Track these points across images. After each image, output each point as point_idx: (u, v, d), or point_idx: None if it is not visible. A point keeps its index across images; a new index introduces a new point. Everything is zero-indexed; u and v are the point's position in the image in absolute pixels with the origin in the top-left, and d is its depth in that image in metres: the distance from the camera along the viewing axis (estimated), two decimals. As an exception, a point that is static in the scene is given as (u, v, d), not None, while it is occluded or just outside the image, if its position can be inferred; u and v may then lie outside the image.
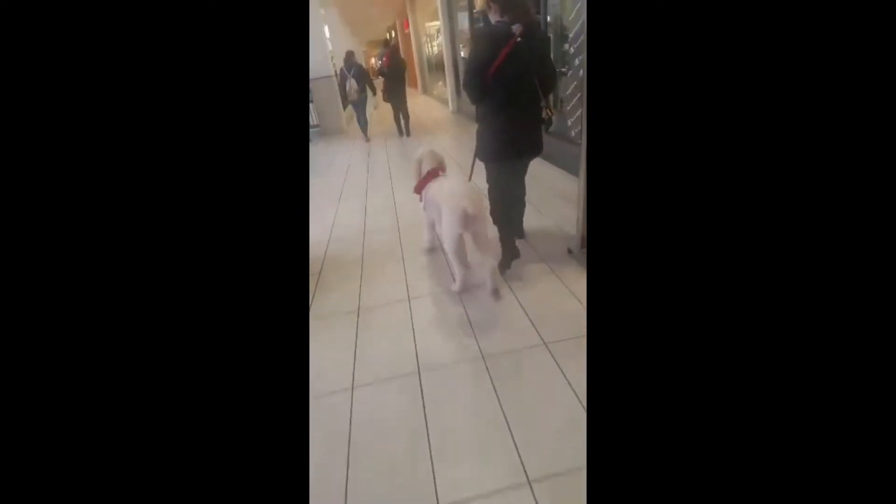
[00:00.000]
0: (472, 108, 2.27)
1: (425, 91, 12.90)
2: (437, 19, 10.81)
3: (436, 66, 11.38)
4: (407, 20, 12.77)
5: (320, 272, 2.64)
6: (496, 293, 2.11)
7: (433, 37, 11.44)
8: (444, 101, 9.67)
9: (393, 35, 16.59)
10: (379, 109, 7.11)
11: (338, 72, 7.22)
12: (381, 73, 6.49)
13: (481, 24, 5.88)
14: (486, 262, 2.06)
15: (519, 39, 2.00)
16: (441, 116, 8.22)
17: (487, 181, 2.32)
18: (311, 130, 7.56)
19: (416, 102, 7.85)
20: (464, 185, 2.02)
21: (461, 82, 2.51)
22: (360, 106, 6.44)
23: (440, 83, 11.10)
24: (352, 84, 6.08)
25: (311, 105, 7.63)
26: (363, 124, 6.58)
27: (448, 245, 2.03)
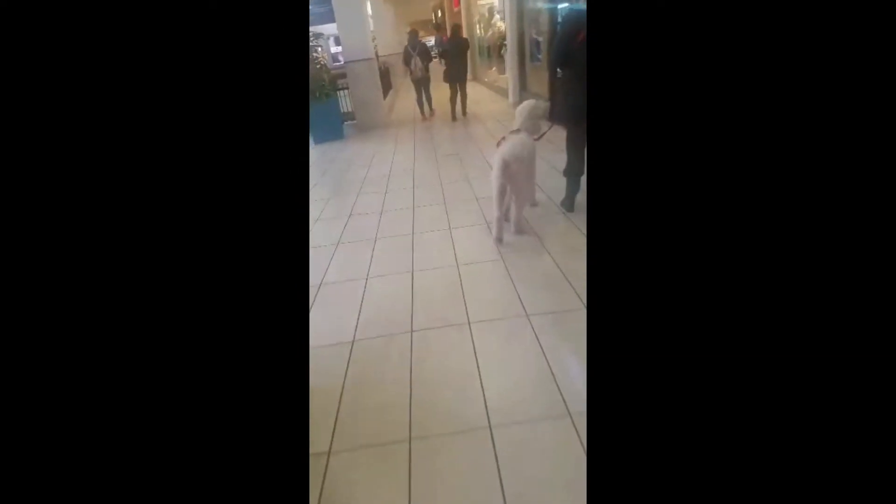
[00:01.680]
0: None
1: (475, 78, 11.49)
2: (492, -3, 9.47)
3: (488, 51, 10.01)
4: (457, -2, 11.40)
5: (330, 449, 1.36)
6: (520, 231, 2.56)
7: (485, 17, 10.06)
8: (499, 91, 8.27)
9: (440, 14, 15.26)
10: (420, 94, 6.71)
11: (378, 55, 6.43)
12: (441, 52, 6.49)
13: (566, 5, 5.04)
14: (514, 208, 2.53)
15: None
16: (498, 109, 6.84)
17: (566, 140, 2.65)
18: (344, 123, 6.38)
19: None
20: (516, 141, 2.43)
21: (552, 51, 2.55)
22: (422, 84, 6.51)
23: (493, 69, 9.72)
24: (417, 62, 6.21)
25: (345, 92, 6.48)
26: (422, 103, 6.69)
27: (493, 191, 2.43)
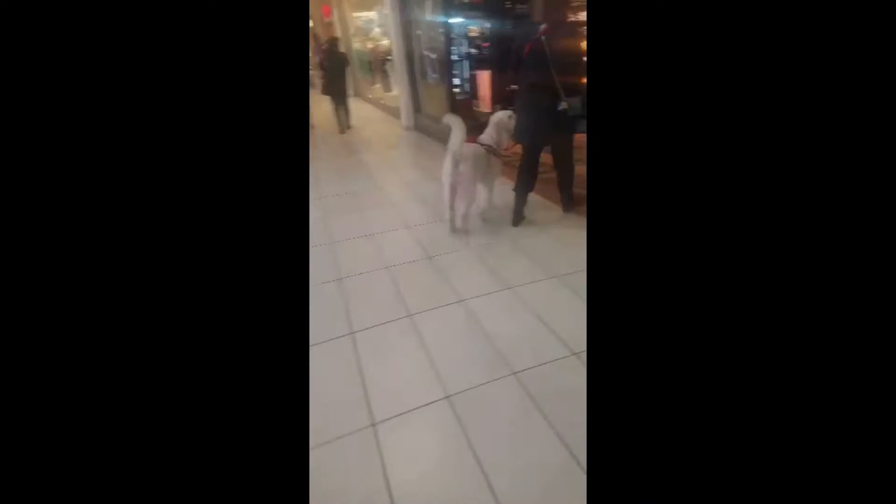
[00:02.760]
0: (434, 125, 3.16)
1: (358, 94, 10.54)
2: (365, 10, 8.70)
3: (370, 65, 9.21)
4: (328, 7, 10.39)
5: None
6: (464, 231, 2.75)
7: (363, 30, 9.27)
8: (389, 110, 7.50)
9: (310, 25, 14.04)
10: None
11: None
12: (321, 66, 6.22)
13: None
14: (458, 208, 2.70)
15: (542, 38, 2.35)
16: (390, 133, 6.04)
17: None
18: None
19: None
20: (470, 148, 2.62)
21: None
22: None
23: (377, 86, 8.93)
24: None
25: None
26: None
27: (444, 188, 2.66)
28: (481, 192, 2.88)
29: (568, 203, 2.94)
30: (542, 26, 2.39)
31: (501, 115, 2.79)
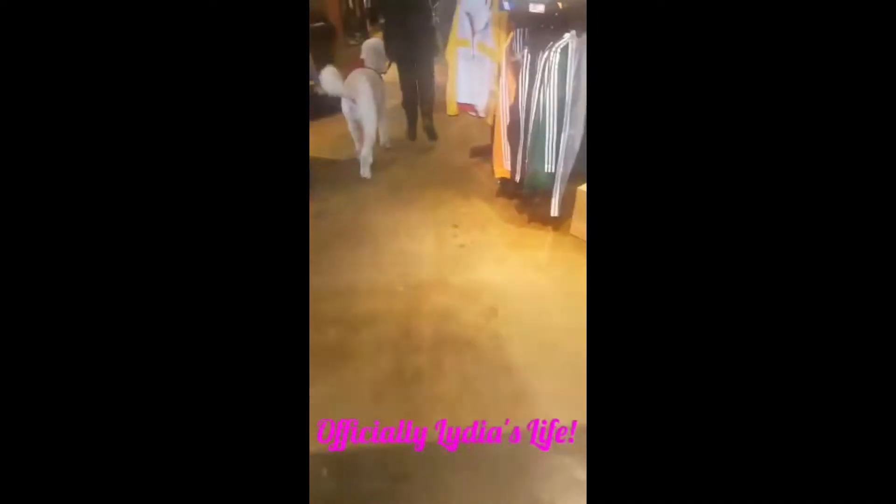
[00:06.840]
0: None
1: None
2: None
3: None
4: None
5: None
6: (364, 171, 2.71)
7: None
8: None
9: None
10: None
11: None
12: None
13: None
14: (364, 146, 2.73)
15: None
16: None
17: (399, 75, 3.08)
18: None
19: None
20: (353, 73, 2.65)
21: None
22: None
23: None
24: None
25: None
26: None
27: (349, 127, 2.81)
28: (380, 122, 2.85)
29: (430, 130, 3.08)
30: None
31: (372, 41, 2.90)
